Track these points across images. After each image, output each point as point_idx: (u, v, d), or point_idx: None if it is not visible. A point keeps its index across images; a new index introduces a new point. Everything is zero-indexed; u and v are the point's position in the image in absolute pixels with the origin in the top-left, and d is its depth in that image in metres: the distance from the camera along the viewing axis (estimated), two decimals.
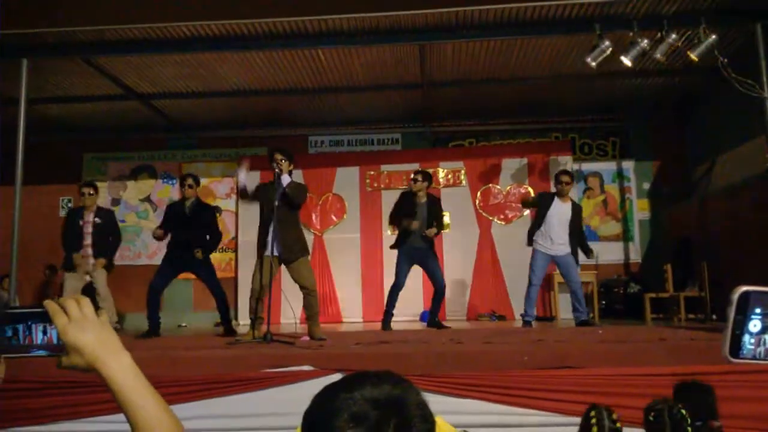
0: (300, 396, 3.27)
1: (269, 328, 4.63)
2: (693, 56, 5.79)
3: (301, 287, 5.08)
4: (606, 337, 4.59)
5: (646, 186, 9.17)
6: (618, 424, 2.34)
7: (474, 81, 7.79)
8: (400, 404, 0.77)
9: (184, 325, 8.40)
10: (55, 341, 0.90)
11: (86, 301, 0.91)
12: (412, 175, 6.62)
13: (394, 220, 6.47)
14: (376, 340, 4.68)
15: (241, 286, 8.90)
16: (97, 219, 6.24)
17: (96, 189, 6.42)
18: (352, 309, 8.86)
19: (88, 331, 0.88)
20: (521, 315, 6.35)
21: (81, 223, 6.20)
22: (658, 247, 8.82)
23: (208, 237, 5.98)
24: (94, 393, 2.83)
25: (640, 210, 9.15)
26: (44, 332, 0.92)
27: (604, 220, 9.14)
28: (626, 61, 5.95)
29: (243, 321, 8.24)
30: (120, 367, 0.89)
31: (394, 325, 6.28)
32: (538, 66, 7.33)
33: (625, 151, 9.25)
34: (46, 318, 0.89)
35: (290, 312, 8.42)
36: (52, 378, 2.79)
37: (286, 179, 5.03)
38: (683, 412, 2.22)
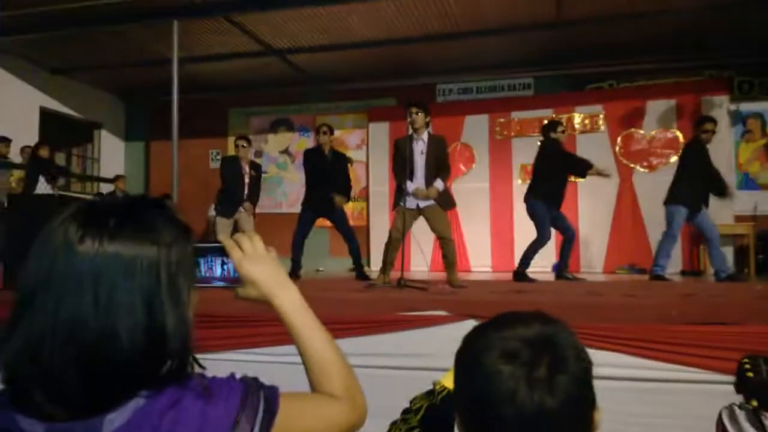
0: (434, 339, 3.36)
1: (402, 274, 4.76)
2: None
3: (440, 237, 5.14)
4: (765, 293, 4.19)
5: None
6: None
7: (615, 16, 7.16)
8: (553, 342, 0.75)
9: (321, 269, 8.88)
10: (231, 274, 0.97)
11: (257, 238, 0.98)
12: (559, 128, 6.23)
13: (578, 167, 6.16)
14: (511, 289, 4.65)
15: (373, 234, 9.20)
16: (252, 171, 6.65)
17: (250, 142, 6.81)
18: (481, 258, 8.83)
19: (261, 265, 0.95)
20: (652, 266, 5.92)
21: (241, 172, 6.59)
22: None
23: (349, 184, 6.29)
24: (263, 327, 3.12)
25: None
26: (222, 265, 1.00)
27: (765, 167, 8.20)
28: None
29: (375, 268, 8.53)
30: (290, 300, 0.95)
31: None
32: None
33: None
34: (223, 252, 0.97)
35: (420, 260, 8.62)
36: (223, 312, 3.12)
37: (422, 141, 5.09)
38: None
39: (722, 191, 5.84)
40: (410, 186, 5.04)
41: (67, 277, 0.71)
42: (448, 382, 1.10)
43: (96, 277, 0.71)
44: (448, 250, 5.11)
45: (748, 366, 2.23)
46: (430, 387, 1.15)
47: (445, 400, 1.08)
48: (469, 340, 0.83)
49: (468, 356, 0.80)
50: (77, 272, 0.71)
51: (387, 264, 5.21)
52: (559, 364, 0.73)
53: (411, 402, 1.14)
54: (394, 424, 1.13)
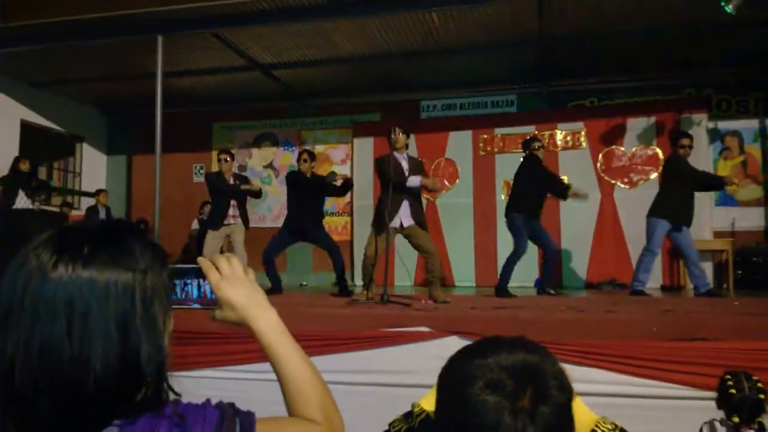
0: (417, 355, 3.36)
1: (386, 290, 4.76)
2: None
3: (424, 252, 5.20)
4: (743, 309, 4.25)
5: None
6: (759, 385, 2.22)
7: (597, 34, 7.27)
8: (536, 372, 0.76)
9: (305, 284, 8.84)
10: (209, 296, 0.96)
11: (236, 260, 0.97)
12: (535, 144, 6.36)
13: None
14: (492, 305, 4.66)
15: (357, 249, 9.17)
16: (237, 181, 6.61)
17: (232, 156, 6.79)
18: (464, 273, 8.85)
19: (239, 288, 0.93)
20: (632, 281, 6.00)
21: (226, 185, 6.54)
22: None
23: (325, 201, 6.35)
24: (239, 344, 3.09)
25: None
26: (199, 287, 0.99)
27: (743, 184, 8.34)
28: None
29: (360, 282, 8.51)
30: (268, 323, 0.94)
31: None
32: (670, 14, 6.70)
33: None
34: (200, 274, 0.96)
35: (404, 274, 8.61)
36: (202, 329, 3.08)
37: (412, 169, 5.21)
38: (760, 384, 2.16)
39: (719, 184, 5.98)
40: (413, 181, 5.15)
41: (40, 302, 0.70)
42: (427, 404, 1.10)
43: (69, 303, 0.70)
44: (432, 264, 5.14)
45: (730, 383, 2.27)
46: (410, 408, 1.15)
47: (424, 423, 1.07)
48: (454, 367, 0.82)
49: (452, 383, 0.79)
50: (50, 298, 0.70)
51: (368, 281, 5.24)
52: (542, 395, 0.73)
53: (390, 425, 1.14)
54: None
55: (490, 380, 0.74)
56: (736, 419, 2.22)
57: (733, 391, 2.25)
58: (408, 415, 1.14)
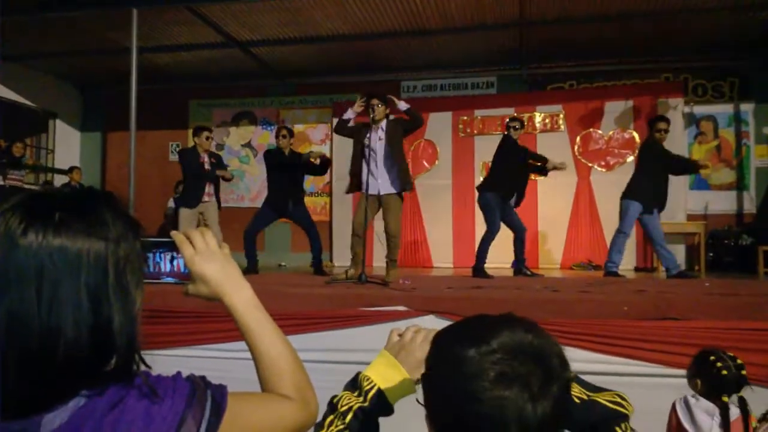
0: None
1: (364, 269, 4.78)
2: None
3: (387, 232, 5.23)
4: (713, 290, 4.36)
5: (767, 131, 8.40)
6: (739, 361, 2.25)
7: (576, 18, 7.30)
8: (541, 354, 0.74)
9: (283, 264, 8.82)
10: (182, 270, 0.95)
11: (210, 234, 0.95)
12: (512, 123, 6.44)
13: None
14: (469, 285, 4.70)
15: (336, 229, 9.17)
16: (212, 160, 6.57)
17: (212, 133, 6.75)
18: (443, 254, 8.90)
19: (213, 263, 0.92)
20: (606, 263, 6.11)
21: (200, 161, 6.48)
22: None
23: (304, 178, 6.41)
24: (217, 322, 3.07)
25: (758, 157, 8.42)
26: (171, 261, 0.98)
27: (717, 168, 8.50)
28: None
29: (338, 263, 8.52)
30: (242, 298, 0.93)
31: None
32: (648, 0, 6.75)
33: (745, 92, 8.46)
34: (172, 248, 0.95)
35: (382, 255, 8.65)
36: (177, 308, 3.05)
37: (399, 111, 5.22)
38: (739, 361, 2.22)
39: (693, 169, 6.17)
40: (365, 179, 5.12)
41: (8, 270, 0.68)
42: (377, 376, 1.03)
43: (39, 272, 0.68)
44: (391, 248, 5.20)
45: (720, 364, 2.26)
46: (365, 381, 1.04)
47: (375, 399, 1.01)
48: (448, 355, 0.77)
49: (453, 375, 0.75)
50: (19, 266, 0.68)
51: (355, 256, 5.24)
52: (550, 376, 0.74)
53: (339, 398, 1.02)
54: (320, 425, 1.01)
55: (501, 373, 0.72)
56: (725, 398, 2.22)
57: (724, 372, 2.24)
58: (353, 386, 1.04)
